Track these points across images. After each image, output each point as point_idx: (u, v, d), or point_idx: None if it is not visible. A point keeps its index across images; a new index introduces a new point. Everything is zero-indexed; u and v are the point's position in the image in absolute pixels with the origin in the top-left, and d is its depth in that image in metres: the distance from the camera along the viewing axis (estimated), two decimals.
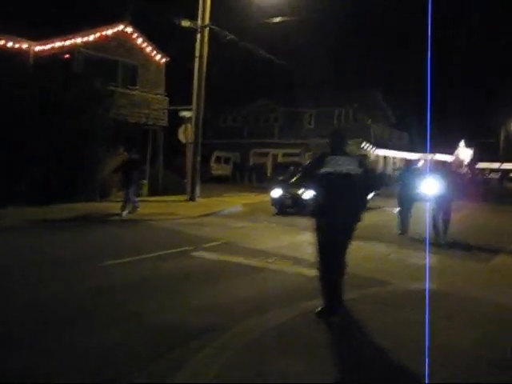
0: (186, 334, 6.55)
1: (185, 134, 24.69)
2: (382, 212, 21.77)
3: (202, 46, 23.63)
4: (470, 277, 10.12)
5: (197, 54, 23.65)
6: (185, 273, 9.88)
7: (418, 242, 13.59)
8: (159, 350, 5.94)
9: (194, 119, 23.77)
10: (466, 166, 76.10)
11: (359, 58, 77.06)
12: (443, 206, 13.98)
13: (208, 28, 23.65)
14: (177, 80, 28.73)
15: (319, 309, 6.91)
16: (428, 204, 14.27)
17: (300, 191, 18.92)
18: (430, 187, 14.28)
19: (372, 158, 51.67)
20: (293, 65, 52.37)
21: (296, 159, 52.62)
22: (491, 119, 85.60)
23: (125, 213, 17.25)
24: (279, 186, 20.74)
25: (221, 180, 45.42)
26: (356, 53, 75.81)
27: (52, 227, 14.90)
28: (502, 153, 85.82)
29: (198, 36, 23.57)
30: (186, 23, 22.74)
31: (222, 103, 56.66)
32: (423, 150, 63.81)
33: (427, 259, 11.07)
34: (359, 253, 12.13)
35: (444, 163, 15.28)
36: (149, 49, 27.65)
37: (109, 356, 5.83)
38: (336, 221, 6.80)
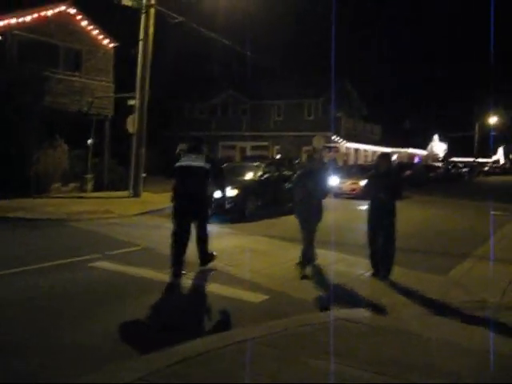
0: None
1: (134, 124, 22.60)
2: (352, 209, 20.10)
3: (146, 28, 21.55)
4: (424, 295, 8.23)
5: (141, 36, 21.56)
6: (63, 294, 7.85)
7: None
8: None
9: (137, 108, 21.68)
10: (440, 160, 75.09)
11: (329, 48, 75.17)
12: (382, 219, 9.18)
13: (154, 8, 21.58)
14: (130, 66, 26.62)
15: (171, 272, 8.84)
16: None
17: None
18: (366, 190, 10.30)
19: (342, 151, 50.03)
20: (259, 54, 50.82)
21: (265, 152, 50.97)
22: (466, 114, 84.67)
23: None
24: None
25: None
26: (326, 43, 73.94)
27: None
28: (477, 147, 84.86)
29: (143, 17, 21.48)
30: (127, 2, 20.62)
31: (189, 94, 54.84)
32: (397, 144, 62.64)
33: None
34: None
35: (385, 157, 9.82)
36: (95, 32, 25.45)
37: None
38: (184, 203, 9.14)
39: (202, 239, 9.50)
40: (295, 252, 11.16)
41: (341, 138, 48.20)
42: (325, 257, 10.78)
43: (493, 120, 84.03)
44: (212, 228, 13.83)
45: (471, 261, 10.84)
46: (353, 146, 51.93)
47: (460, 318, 6.81)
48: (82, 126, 24.01)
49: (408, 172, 43.62)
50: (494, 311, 7.28)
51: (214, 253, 9.83)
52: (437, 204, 25.08)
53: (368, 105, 60.74)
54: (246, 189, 16.77)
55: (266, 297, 7.81)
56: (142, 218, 16.37)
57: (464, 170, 66.53)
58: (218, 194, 15.59)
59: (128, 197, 21.33)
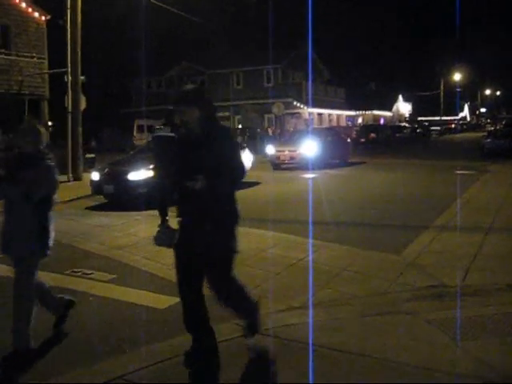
0: None
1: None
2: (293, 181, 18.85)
3: None
4: (370, 282, 6.85)
5: (68, 4, 19.65)
6: None
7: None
8: None
9: (71, 83, 19.88)
10: (406, 120, 74.18)
11: (286, 10, 73.10)
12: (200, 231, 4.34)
13: None
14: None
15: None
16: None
17: (128, 170, 13.82)
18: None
19: (305, 116, 48.59)
20: (210, 21, 48.90)
21: (227, 123, 49.45)
22: (431, 72, 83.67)
23: None
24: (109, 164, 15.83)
25: None
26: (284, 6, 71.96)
27: None
28: (443, 105, 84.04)
29: None
30: None
31: (144, 68, 52.86)
32: (361, 106, 61.44)
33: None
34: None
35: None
36: (23, 5, 23.43)
37: None
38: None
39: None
40: None
41: (302, 103, 46.69)
42: (261, 238, 9.37)
43: (457, 77, 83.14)
44: (145, 213, 12.41)
45: (431, 233, 9.45)
46: (316, 110, 50.46)
47: (410, 315, 5.40)
48: (16, 108, 22.17)
49: (372, 135, 42.57)
50: (453, 300, 5.91)
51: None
52: (399, 167, 23.79)
53: (330, 68, 59.24)
54: None
55: (175, 300, 6.32)
56: (71, 204, 14.64)
57: (430, 129, 65.85)
58: (132, 176, 13.76)
59: (67, 181, 19.61)
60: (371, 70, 66.83)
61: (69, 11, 19.70)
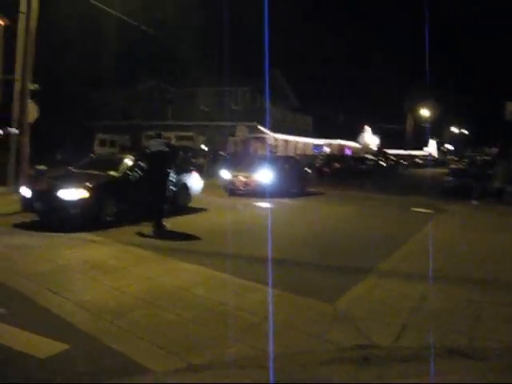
0: None
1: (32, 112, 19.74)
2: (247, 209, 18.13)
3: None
4: (293, 338, 6.06)
5: (22, 8, 18.70)
6: None
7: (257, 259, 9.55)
8: None
9: (18, 90, 18.88)
10: (373, 153, 74.33)
11: (257, 35, 72.85)
12: None
13: None
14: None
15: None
16: None
17: (61, 187, 12.64)
18: None
19: (270, 142, 48.02)
20: (179, 40, 48.30)
21: (190, 143, 48.68)
22: (398, 106, 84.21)
23: None
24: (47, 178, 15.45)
25: None
26: (254, 30, 71.74)
27: None
28: (409, 140, 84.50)
29: None
30: None
31: (114, 81, 51.99)
32: (328, 135, 61.26)
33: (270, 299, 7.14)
34: (143, 282, 7.85)
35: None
36: None
37: None
38: (152, 178, 12.59)
39: (158, 209, 12.49)
40: (154, 267, 8.92)
41: (268, 128, 46.13)
42: (187, 275, 8.52)
43: (424, 112, 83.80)
44: (74, 236, 11.51)
45: (372, 279, 8.68)
46: (281, 136, 49.98)
47: None
48: None
49: (336, 165, 42.15)
50: (378, 366, 5.15)
51: (168, 226, 12.60)
52: (357, 200, 23.22)
53: (299, 95, 59.04)
54: (100, 189, 12.95)
55: (64, 347, 5.42)
56: (1, 220, 13.62)
57: (394, 162, 66.07)
58: (63, 194, 12.60)
59: (8, 193, 18.49)
60: (340, 100, 66.86)
61: (22, 16, 18.77)
